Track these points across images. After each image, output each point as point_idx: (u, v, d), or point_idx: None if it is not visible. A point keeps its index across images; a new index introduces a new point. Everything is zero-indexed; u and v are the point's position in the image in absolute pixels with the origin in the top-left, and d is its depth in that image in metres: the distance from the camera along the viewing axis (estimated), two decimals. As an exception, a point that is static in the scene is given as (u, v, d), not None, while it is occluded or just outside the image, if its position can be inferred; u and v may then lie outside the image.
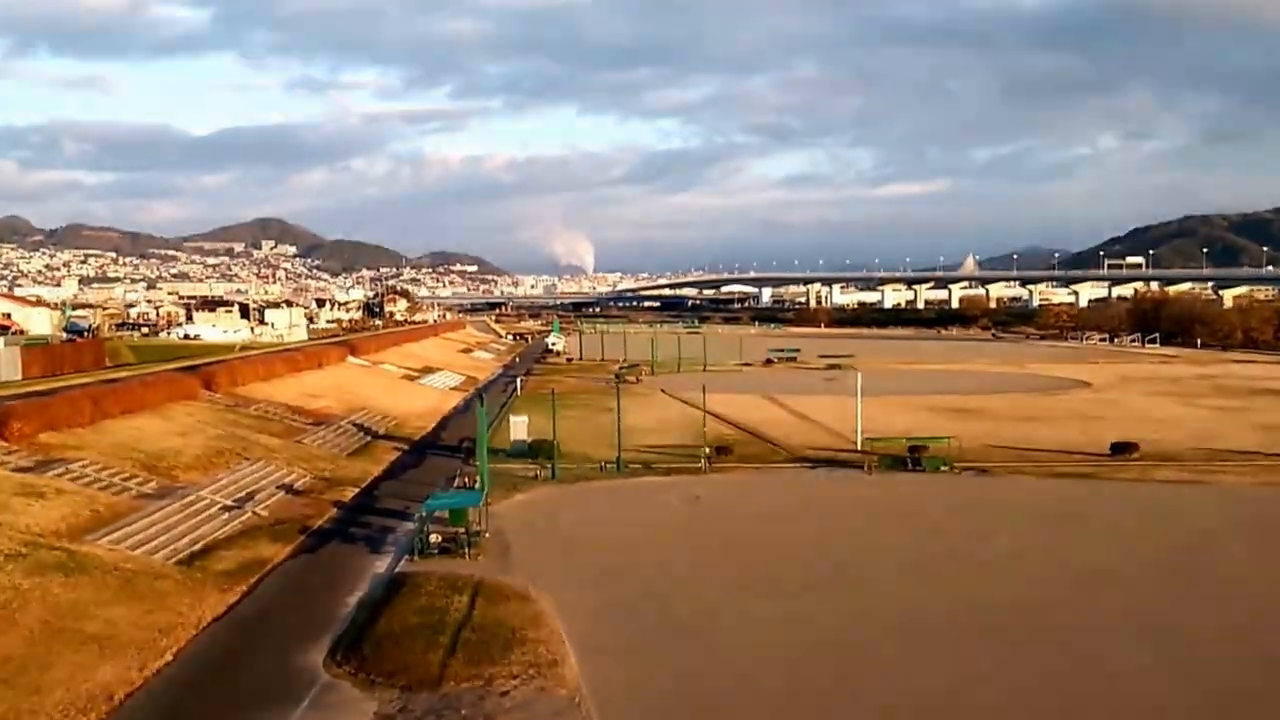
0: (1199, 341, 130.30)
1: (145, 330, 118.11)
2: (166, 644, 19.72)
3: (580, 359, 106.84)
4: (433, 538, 27.07)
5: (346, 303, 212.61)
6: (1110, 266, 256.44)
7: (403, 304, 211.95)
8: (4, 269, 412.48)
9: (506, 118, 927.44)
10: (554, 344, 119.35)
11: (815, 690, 18.20)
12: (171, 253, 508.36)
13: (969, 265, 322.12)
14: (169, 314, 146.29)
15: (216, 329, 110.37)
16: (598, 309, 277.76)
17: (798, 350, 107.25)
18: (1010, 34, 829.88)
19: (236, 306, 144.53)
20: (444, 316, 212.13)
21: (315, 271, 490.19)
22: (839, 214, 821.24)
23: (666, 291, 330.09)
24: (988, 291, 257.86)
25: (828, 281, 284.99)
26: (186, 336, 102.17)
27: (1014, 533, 30.25)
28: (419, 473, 40.44)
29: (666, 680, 18.61)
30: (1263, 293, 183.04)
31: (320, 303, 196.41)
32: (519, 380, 75.94)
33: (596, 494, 36.31)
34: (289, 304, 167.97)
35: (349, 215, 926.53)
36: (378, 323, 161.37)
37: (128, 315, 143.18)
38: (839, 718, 17.37)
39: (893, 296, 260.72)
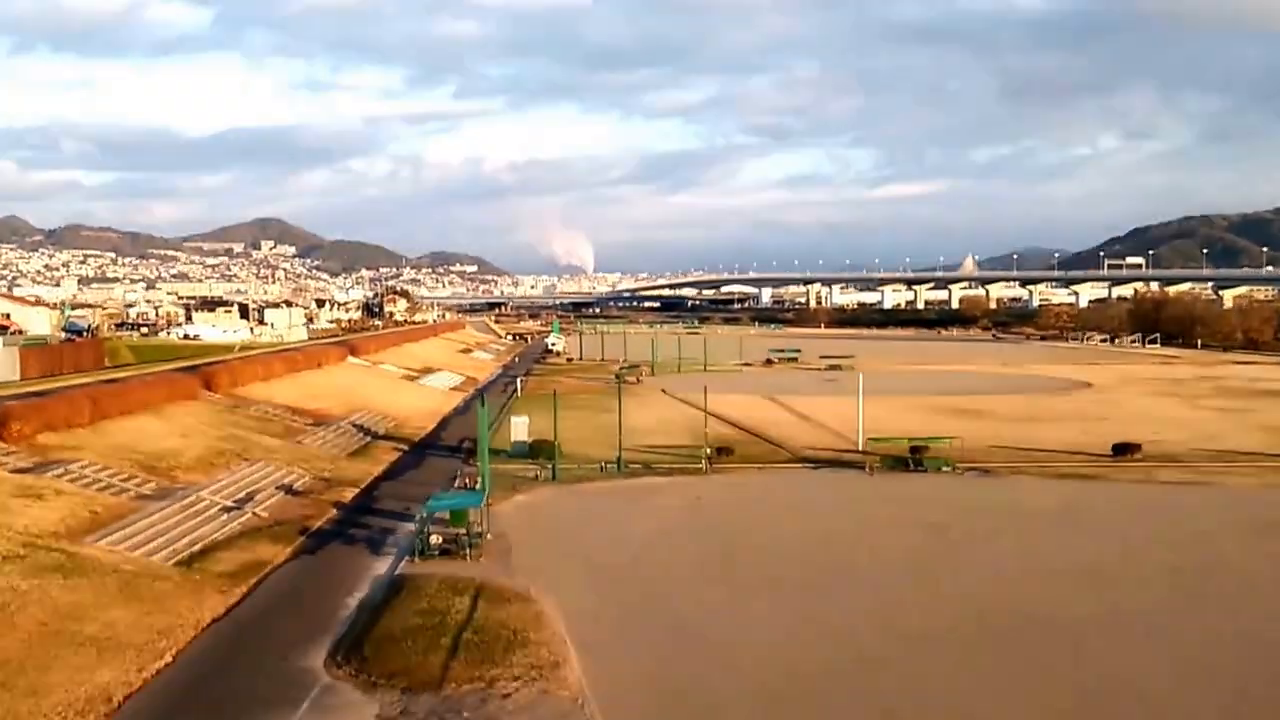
0: (1199, 342, 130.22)
1: (144, 330, 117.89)
2: (166, 646, 19.57)
3: (580, 359, 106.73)
4: (433, 539, 26.90)
5: (346, 303, 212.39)
6: (1110, 267, 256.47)
7: (402, 304, 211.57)
8: (3, 269, 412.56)
9: (507, 118, 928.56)
10: (554, 344, 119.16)
11: (819, 693, 18.07)
12: (171, 253, 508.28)
13: (968, 266, 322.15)
14: (168, 314, 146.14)
15: (216, 329, 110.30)
16: (597, 309, 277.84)
17: (798, 351, 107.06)
18: (1010, 34, 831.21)
19: (236, 307, 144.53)
20: (443, 317, 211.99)
21: (315, 272, 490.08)
22: (839, 214, 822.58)
23: (666, 292, 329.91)
24: (988, 292, 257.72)
25: (827, 282, 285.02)
26: (186, 337, 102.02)
27: (1018, 534, 30.14)
28: (419, 473, 40.30)
29: (669, 682, 18.47)
30: (1263, 293, 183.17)
31: (320, 303, 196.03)
32: (519, 381, 75.78)
33: (597, 495, 36.17)
34: (288, 304, 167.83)
35: (349, 216, 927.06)
36: (377, 323, 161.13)
37: (127, 315, 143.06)
38: (844, 721, 17.23)
39: (892, 297, 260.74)
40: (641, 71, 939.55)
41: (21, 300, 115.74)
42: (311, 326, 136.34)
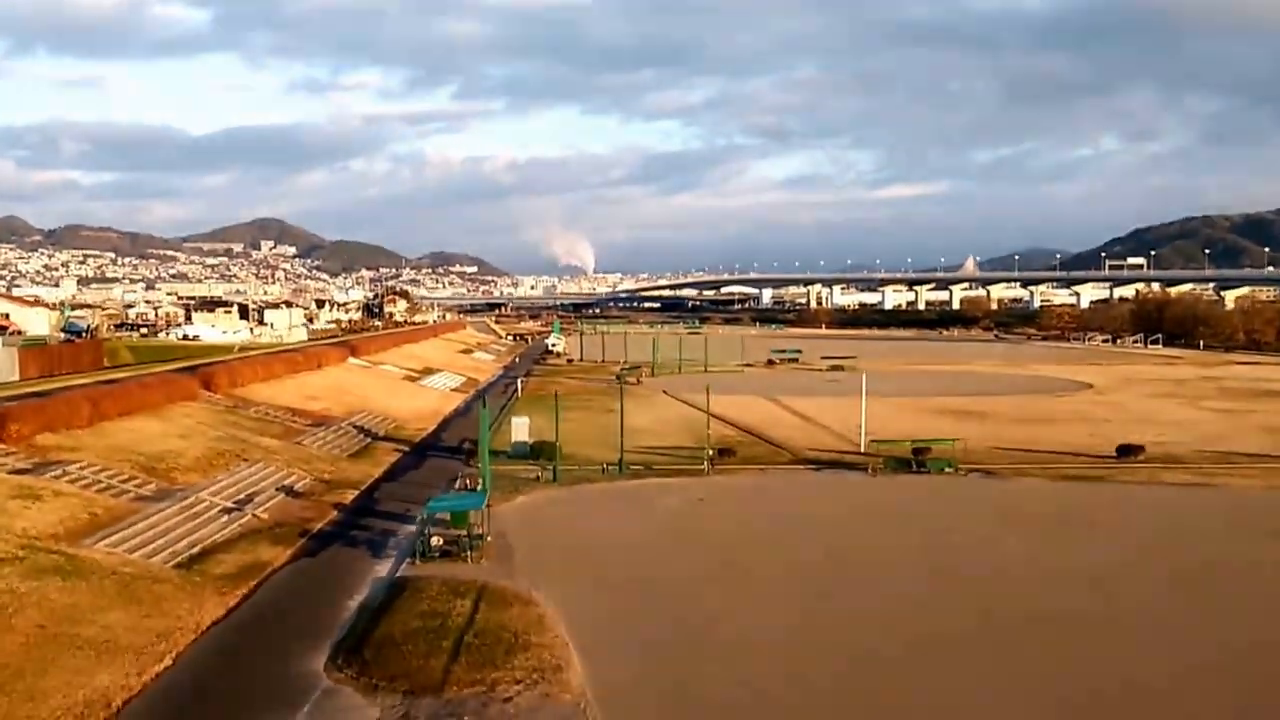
0: (1201, 343, 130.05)
1: (144, 331, 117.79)
2: (165, 649, 19.41)
3: (580, 360, 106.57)
4: (434, 541, 26.77)
5: (346, 303, 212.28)
6: (1111, 267, 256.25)
7: (402, 305, 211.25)
8: (2, 269, 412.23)
9: (508, 119, 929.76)
10: (554, 345, 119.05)
11: (823, 697, 17.90)
12: (170, 253, 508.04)
13: (969, 266, 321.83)
14: (168, 314, 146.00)
15: (215, 329, 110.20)
16: (598, 310, 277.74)
17: (799, 351, 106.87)
18: (1011, 35, 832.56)
19: (236, 307, 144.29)
20: (444, 317, 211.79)
21: (314, 272, 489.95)
22: (840, 215, 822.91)
23: (666, 292, 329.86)
24: (989, 292, 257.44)
25: (828, 282, 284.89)
26: (185, 337, 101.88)
27: (1023, 536, 29.95)
28: (420, 474, 40.12)
29: (673, 686, 18.30)
30: (1265, 294, 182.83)
31: (320, 303, 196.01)
32: (519, 381, 75.64)
33: (599, 496, 35.99)
34: (288, 304, 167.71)
35: (349, 216, 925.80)
36: (377, 323, 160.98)
37: (126, 316, 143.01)
38: (849, 725, 17.08)
39: (893, 297, 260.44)
40: (642, 72, 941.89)
41: (20, 300, 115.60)
42: (311, 327, 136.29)
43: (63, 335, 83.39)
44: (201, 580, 23.89)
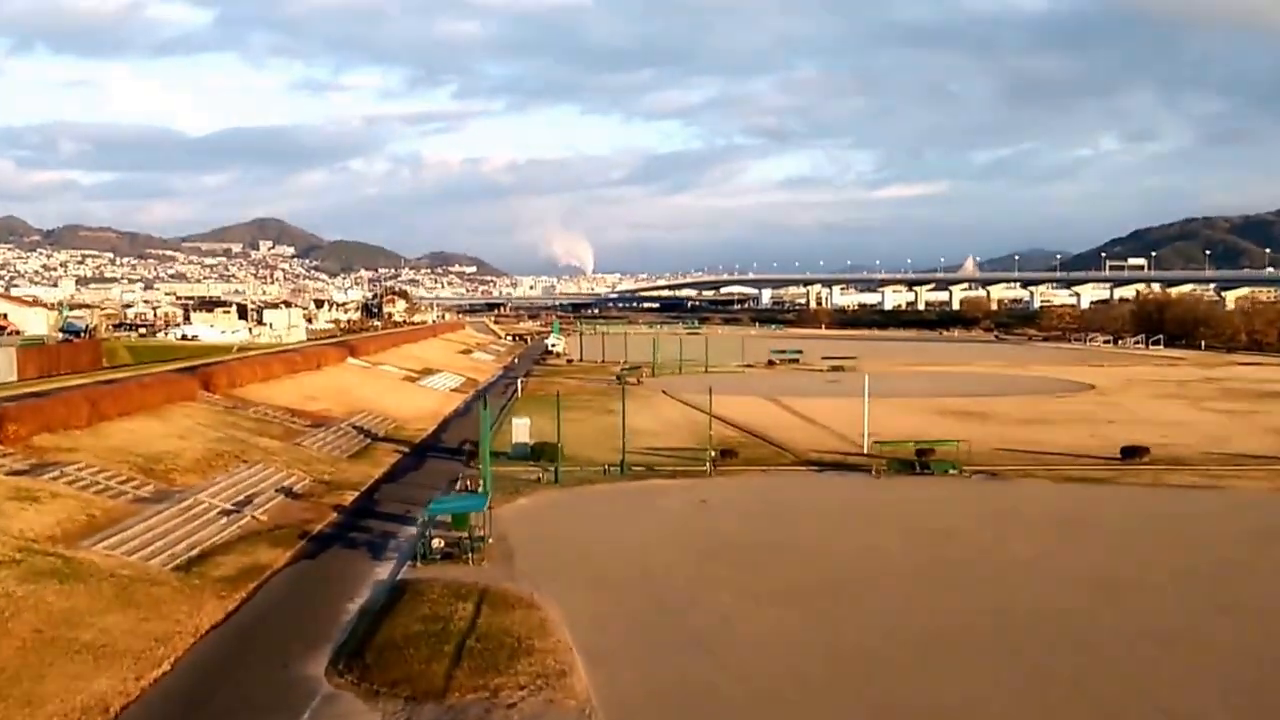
0: (1203, 343, 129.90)
1: (143, 331, 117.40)
2: (164, 653, 19.18)
3: (580, 360, 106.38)
4: (435, 543, 26.54)
5: (345, 303, 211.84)
6: (1112, 268, 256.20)
7: (401, 305, 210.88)
8: (1, 269, 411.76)
9: (508, 119, 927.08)
10: (554, 345, 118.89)
11: (828, 700, 17.69)
12: (169, 253, 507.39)
13: (969, 267, 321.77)
14: (166, 314, 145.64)
15: (214, 330, 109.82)
16: (597, 310, 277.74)
17: (800, 352, 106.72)
18: (1011, 36, 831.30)
19: (234, 307, 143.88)
20: (443, 317, 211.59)
21: (313, 272, 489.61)
22: (839, 215, 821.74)
23: (666, 292, 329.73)
24: (989, 293, 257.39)
25: (828, 283, 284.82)
26: (184, 337, 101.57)
27: (1028, 538, 29.73)
28: (420, 476, 39.89)
29: (677, 691, 18.07)
30: (1265, 294, 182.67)
31: (319, 303, 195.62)
32: (519, 382, 75.45)
33: (600, 497, 35.76)
34: (287, 304, 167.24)
35: (348, 216, 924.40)
36: (376, 323, 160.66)
37: (125, 316, 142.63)
38: (858, 731, 16.85)
39: (893, 298, 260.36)
40: (642, 72, 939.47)
41: (19, 300, 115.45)
42: (310, 327, 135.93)
43: (61, 335, 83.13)
44: (200, 583, 23.65)
